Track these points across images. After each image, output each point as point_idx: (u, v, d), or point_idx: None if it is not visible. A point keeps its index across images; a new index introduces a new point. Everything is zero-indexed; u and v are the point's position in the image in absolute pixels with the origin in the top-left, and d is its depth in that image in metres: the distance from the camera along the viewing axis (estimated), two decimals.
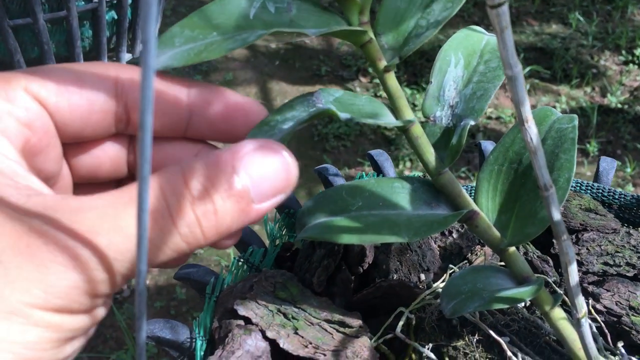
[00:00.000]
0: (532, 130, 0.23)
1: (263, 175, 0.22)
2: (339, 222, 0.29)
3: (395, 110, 0.29)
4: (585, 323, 0.26)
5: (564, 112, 1.57)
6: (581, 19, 1.85)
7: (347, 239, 0.28)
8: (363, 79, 1.71)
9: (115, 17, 0.65)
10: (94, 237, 0.19)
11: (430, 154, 0.29)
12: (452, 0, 0.28)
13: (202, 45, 0.26)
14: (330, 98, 0.28)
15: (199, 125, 0.26)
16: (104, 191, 0.21)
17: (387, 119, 0.29)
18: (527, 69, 1.67)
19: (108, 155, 0.28)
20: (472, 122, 0.29)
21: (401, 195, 0.30)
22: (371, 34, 0.28)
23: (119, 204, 0.20)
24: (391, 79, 0.29)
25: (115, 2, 0.63)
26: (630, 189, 1.32)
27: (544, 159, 0.24)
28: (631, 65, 1.66)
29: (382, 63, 0.28)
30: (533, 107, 1.64)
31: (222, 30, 0.26)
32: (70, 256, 0.19)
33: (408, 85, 1.65)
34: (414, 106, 1.59)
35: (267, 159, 0.22)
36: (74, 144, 0.26)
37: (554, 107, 1.61)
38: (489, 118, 1.56)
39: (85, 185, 0.28)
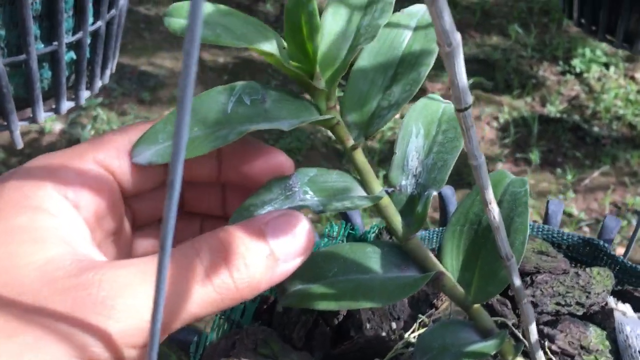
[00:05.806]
0: (495, 211, 0.26)
1: (287, 238, 0.26)
2: (317, 289, 0.31)
3: (364, 184, 0.32)
4: None
5: (506, 122, 1.64)
6: (520, 30, 1.93)
7: (325, 305, 0.30)
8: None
9: (74, 57, 0.65)
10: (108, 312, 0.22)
11: (398, 222, 0.32)
12: (410, 83, 0.31)
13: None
14: (305, 179, 0.30)
15: (228, 173, 0.30)
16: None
17: (358, 194, 0.31)
18: (470, 80, 1.74)
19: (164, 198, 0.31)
20: (434, 192, 0.31)
21: (373, 260, 0.32)
22: (338, 117, 0.30)
23: (144, 272, 0.23)
24: (359, 155, 0.31)
25: (74, 42, 0.63)
26: (571, 195, 1.39)
27: (506, 233, 0.27)
28: (568, 75, 1.75)
29: (350, 142, 0.31)
30: (477, 117, 1.69)
31: (203, 125, 0.28)
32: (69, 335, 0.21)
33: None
34: None
35: (291, 225, 0.26)
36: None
37: (497, 117, 1.68)
38: None
39: (148, 225, 0.32)
